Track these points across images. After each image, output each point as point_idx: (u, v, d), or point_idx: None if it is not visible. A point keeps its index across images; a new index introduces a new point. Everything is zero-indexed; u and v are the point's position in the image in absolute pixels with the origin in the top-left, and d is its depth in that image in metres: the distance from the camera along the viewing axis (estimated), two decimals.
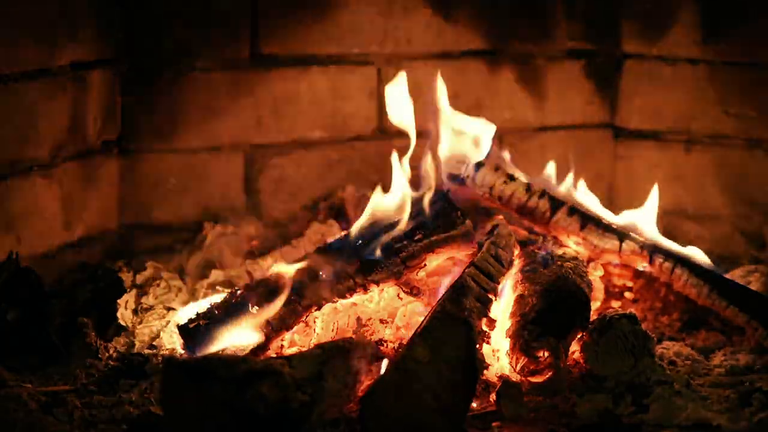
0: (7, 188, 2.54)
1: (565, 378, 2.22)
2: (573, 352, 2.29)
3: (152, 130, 3.00)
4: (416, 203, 2.46)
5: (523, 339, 2.23)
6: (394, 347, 2.30)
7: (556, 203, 2.67)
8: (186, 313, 2.39)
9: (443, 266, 2.38)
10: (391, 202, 2.46)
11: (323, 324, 2.33)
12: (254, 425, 1.82)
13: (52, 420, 2.05)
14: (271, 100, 3.10)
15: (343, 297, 2.31)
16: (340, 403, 2.05)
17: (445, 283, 2.32)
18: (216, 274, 2.75)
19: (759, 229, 3.14)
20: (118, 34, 2.90)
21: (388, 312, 2.37)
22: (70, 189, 2.76)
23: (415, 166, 2.56)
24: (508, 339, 2.26)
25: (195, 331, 2.25)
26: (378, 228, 2.41)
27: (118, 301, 2.56)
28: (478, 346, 2.13)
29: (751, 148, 3.18)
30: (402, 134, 2.63)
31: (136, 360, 2.33)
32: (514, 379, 2.23)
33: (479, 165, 2.72)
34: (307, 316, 2.30)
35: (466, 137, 2.71)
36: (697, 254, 2.66)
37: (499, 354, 2.29)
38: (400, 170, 2.50)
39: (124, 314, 2.55)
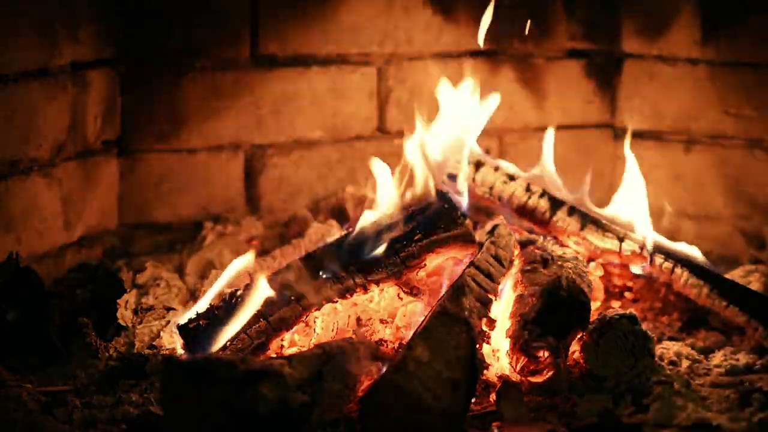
0: (7, 188, 2.54)
1: (565, 378, 2.22)
2: (573, 352, 2.29)
3: (152, 130, 3.01)
4: (416, 203, 2.46)
5: (523, 339, 2.23)
6: (394, 347, 2.30)
7: (556, 203, 2.67)
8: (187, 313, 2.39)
9: (443, 266, 2.38)
10: (389, 202, 2.47)
11: (323, 324, 2.33)
12: (254, 425, 1.82)
13: (52, 420, 2.05)
14: (271, 100, 3.10)
15: (343, 297, 2.31)
16: (340, 403, 2.05)
17: (445, 283, 2.32)
18: (216, 274, 2.74)
19: (759, 229, 3.14)
20: (118, 34, 2.90)
21: (388, 312, 2.37)
22: (70, 189, 2.76)
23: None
24: (508, 339, 2.26)
25: (195, 331, 2.25)
26: (378, 228, 2.40)
27: (118, 301, 2.56)
28: (478, 346, 2.13)
29: (751, 148, 3.18)
30: (402, 134, 2.64)
31: (136, 360, 2.33)
32: (514, 379, 2.23)
33: (479, 165, 2.73)
34: (307, 316, 2.30)
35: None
36: (694, 252, 2.66)
37: (499, 354, 2.29)
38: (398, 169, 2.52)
39: (124, 314, 2.55)
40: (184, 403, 1.85)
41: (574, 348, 2.29)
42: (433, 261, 2.37)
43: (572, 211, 2.66)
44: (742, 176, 3.20)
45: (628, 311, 2.32)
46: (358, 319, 2.35)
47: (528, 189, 2.69)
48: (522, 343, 2.23)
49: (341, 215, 3.08)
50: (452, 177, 2.73)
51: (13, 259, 2.43)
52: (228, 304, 2.29)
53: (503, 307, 2.33)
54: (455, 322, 2.10)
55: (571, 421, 2.11)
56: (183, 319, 2.29)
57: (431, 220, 2.38)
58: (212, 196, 3.08)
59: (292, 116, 3.13)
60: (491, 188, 2.71)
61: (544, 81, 3.35)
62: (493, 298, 2.26)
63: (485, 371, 2.22)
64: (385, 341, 2.32)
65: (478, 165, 2.74)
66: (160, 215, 3.04)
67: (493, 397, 2.18)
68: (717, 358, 2.45)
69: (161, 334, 2.46)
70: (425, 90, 3.20)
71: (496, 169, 2.74)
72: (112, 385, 2.24)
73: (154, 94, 2.99)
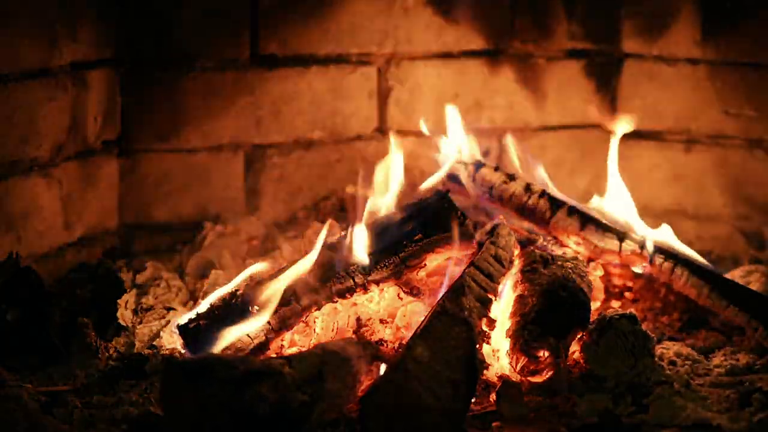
0: (7, 188, 2.54)
1: (565, 378, 2.22)
2: (573, 352, 2.29)
3: (152, 130, 3.01)
4: (416, 203, 2.46)
5: (523, 339, 2.23)
6: (394, 347, 2.30)
7: (556, 203, 2.67)
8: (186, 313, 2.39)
9: (443, 266, 2.38)
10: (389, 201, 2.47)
11: (323, 324, 2.33)
12: (254, 425, 1.82)
13: (52, 420, 2.05)
14: (271, 100, 3.10)
15: (343, 297, 2.31)
16: (340, 403, 2.05)
17: (445, 283, 2.32)
18: (216, 274, 2.74)
19: (759, 229, 3.14)
20: (118, 34, 2.90)
21: (388, 312, 2.37)
22: (70, 189, 2.76)
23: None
24: (508, 339, 2.26)
25: (195, 331, 2.25)
26: (378, 228, 2.41)
27: (118, 301, 2.56)
28: (478, 346, 2.13)
29: (751, 148, 3.18)
30: (402, 134, 2.64)
31: (136, 360, 2.33)
32: (514, 379, 2.23)
33: (479, 165, 2.73)
34: (307, 316, 2.30)
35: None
36: (691, 252, 2.66)
37: (499, 354, 2.29)
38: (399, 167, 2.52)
39: (124, 314, 2.55)
40: (184, 403, 1.85)
41: (574, 348, 2.29)
42: (433, 261, 2.37)
43: (572, 211, 2.66)
44: (742, 176, 3.20)
45: (628, 311, 2.32)
46: (358, 319, 2.35)
47: (528, 189, 2.69)
48: (522, 343, 2.23)
49: (341, 215, 3.08)
50: (452, 177, 2.73)
51: (13, 259, 2.43)
52: (228, 304, 2.29)
53: (503, 307, 2.33)
54: (455, 322, 2.10)
55: (571, 421, 2.11)
56: (183, 319, 2.29)
57: (431, 220, 2.38)
58: (212, 196, 3.08)
59: (292, 116, 3.13)
60: (491, 188, 2.71)
61: (544, 81, 3.35)
62: (493, 298, 2.26)
63: (485, 371, 2.22)
64: (385, 341, 2.32)
65: (478, 165, 2.74)
66: (160, 215, 3.04)
67: (493, 397, 2.18)
68: (717, 358, 2.45)
69: (161, 334, 2.46)
70: (425, 90, 3.21)
71: (496, 169, 2.74)
72: (112, 385, 2.24)
73: (154, 94, 2.99)
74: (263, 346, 2.25)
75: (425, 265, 2.36)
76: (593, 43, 3.36)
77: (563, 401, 2.19)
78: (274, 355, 2.26)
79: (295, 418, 1.88)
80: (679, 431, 2.08)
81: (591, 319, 2.32)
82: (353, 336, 2.32)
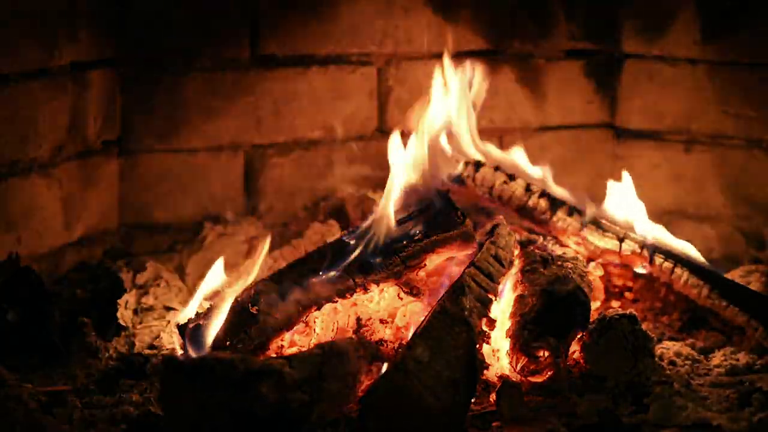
0: (7, 188, 2.54)
1: (565, 378, 2.22)
2: (573, 352, 2.29)
3: (152, 130, 3.01)
4: (416, 203, 2.46)
5: (523, 339, 2.23)
6: (394, 347, 2.30)
7: (556, 203, 2.67)
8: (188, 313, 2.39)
9: (443, 266, 2.38)
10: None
11: (323, 324, 2.33)
12: (254, 425, 1.82)
13: (52, 420, 2.05)
14: (271, 100, 3.10)
15: (343, 297, 2.31)
16: (340, 403, 2.05)
17: (445, 283, 2.32)
18: (216, 274, 2.74)
19: (759, 229, 3.14)
20: (118, 34, 2.90)
21: (388, 312, 2.36)
22: (70, 189, 2.76)
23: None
24: (508, 339, 2.26)
25: (195, 331, 2.25)
26: (378, 227, 2.40)
27: (118, 301, 2.56)
28: (478, 346, 2.13)
29: (751, 148, 3.18)
30: (402, 135, 2.64)
31: (136, 360, 2.33)
32: (514, 379, 2.23)
33: (479, 165, 2.73)
34: (307, 316, 2.30)
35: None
36: (691, 250, 2.66)
37: (499, 354, 2.29)
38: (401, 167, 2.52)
39: (124, 314, 2.55)
40: (184, 403, 1.85)
41: (574, 348, 2.29)
42: (433, 261, 2.37)
43: (572, 211, 2.66)
44: (742, 176, 3.20)
45: (628, 311, 2.32)
46: (358, 319, 2.35)
47: (528, 189, 2.69)
48: (522, 343, 2.23)
49: (341, 215, 3.08)
50: (453, 177, 2.73)
51: (13, 259, 2.43)
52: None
53: (503, 307, 2.33)
54: (455, 322, 2.10)
55: (571, 421, 2.11)
56: (183, 319, 2.29)
57: (431, 220, 2.38)
58: (212, 196, 3.08)
59: (292, 116, 3.13)
60: (491, 188, 2.71)
61: (544, 81, 3.35)
62: (493, 298, 2.26)
63: (485, 371, 2.22)
64: (385, 341, 2.32)
65: (478, 165, 2.74)
66: (160, 215, 3.04)
67: (493, 397, 2.18)
68: (717, 358, 2.45)
69: (161, 334, 2.46)
70: (425, 90, 3.21)
71: (496, 169, 2.74)
72: (112, 385, 2.24)
73: (154, 94, 2.99)
74: (263, 346, 2.24)
75: (425, 265, 2.36)
76: (593, 43, 3.36)
77: (563, 401, 2.19)
78: (274, 355, 2.26)
79: (295, 418, 1.87)
80: (679, 431, 2.08)
81: (591, 319, 2.32)
82: (353, 336, 2.32)
